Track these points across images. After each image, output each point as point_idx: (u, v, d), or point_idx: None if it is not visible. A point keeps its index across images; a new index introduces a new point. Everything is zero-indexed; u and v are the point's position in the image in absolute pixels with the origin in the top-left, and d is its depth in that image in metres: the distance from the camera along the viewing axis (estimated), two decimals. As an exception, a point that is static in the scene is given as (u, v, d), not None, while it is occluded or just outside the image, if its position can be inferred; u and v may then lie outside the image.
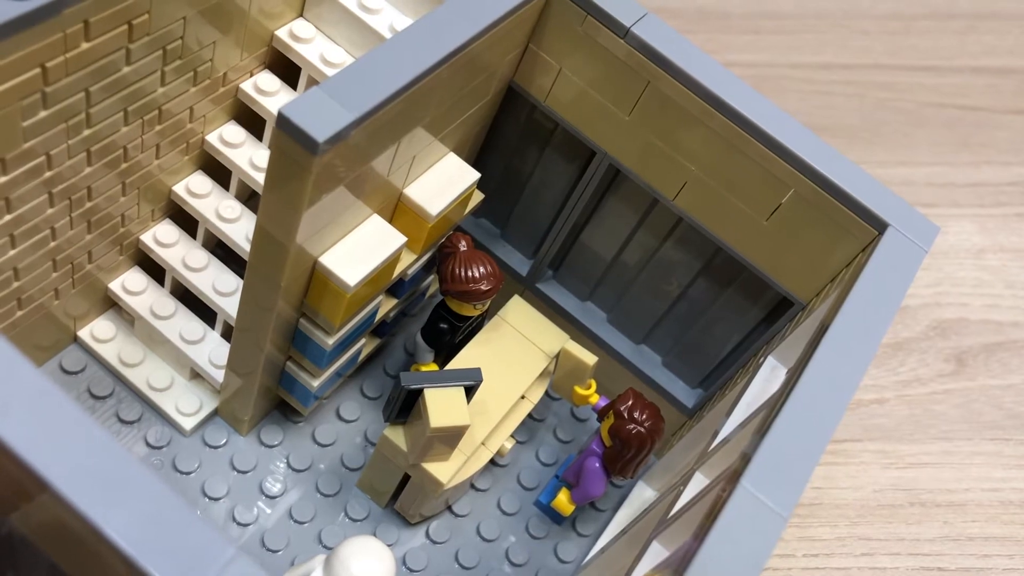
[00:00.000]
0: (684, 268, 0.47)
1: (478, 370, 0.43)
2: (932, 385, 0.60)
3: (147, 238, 0.46)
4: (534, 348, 0.48)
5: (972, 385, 0.60)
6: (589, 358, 0.48)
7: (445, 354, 0.48)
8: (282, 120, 0.32)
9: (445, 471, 0.44)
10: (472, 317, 0.47)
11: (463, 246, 0.46)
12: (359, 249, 0.40)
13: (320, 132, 0.32)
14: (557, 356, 0.48)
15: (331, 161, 0.33)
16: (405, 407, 0.43)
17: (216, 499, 0.46)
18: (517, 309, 0.49)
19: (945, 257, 0.66)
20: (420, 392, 0.42)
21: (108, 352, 0.47)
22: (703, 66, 0.41)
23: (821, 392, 0.33)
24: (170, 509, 0.25)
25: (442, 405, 0.41)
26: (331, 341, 0.42)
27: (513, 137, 0.49)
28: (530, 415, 0.52)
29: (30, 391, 0.25)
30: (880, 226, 0.39)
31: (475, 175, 0.44)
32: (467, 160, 0.47)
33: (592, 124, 0.44)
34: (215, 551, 0.24)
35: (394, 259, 0.42)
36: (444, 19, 0.37)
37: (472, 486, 0.50)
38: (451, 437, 0.42)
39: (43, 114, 0.35)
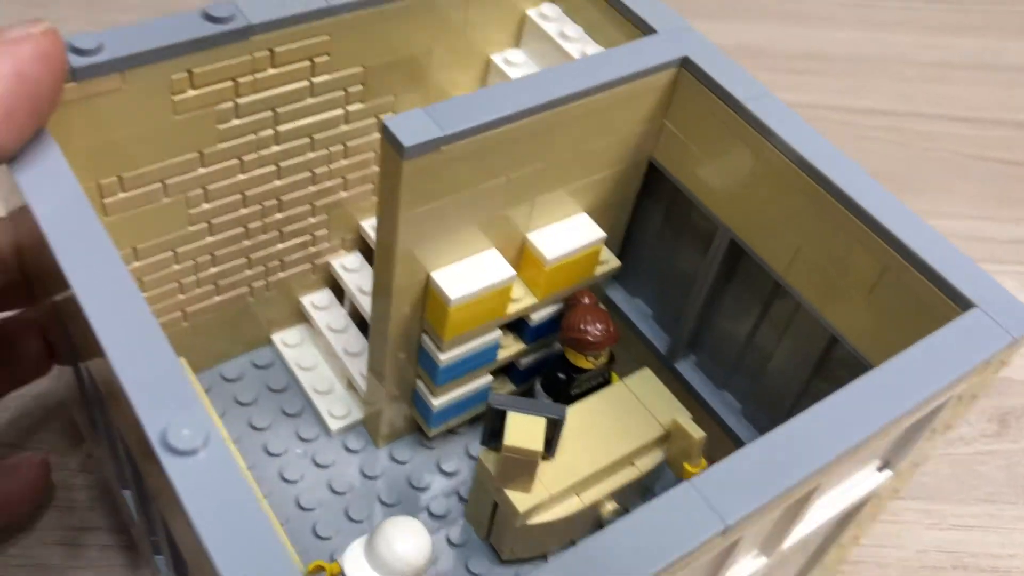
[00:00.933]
0: (803, 360, 0.47)
1: (563, 407, 0.45)
2: (976, 445, 0.58)
3: (336, 263, 0.54)
4: (648, 416, 0.50)
5: (1015, 448, 0.58)
6: (696, 432, 0.48)
7: (564, 402, 0.51)
8: (384, 128, 0.39)
9: (524, 501, 0.46)
10: (589, 371, 0.50)
11: (586, 300, 0.49)
12: (469, 272, 0.45)
13: (408, 139, 0.38)
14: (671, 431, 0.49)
15: (423, 170, 0.39)
16: (496, 431, 0.46)
17: (338, 494, 0.51)
18: (642, 379, 0.51)
19: (987, 316, 0.67)
20: (505, 414, 0.45)
21: (290, 355, 0.55)
22: (811, 144, 0.42)
23: (821, 427, 0.32)
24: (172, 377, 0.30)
25: (520, 428, 0.44)
26: (443, 357, 0.47)
27: (659, 215, 0.52)
28: (650, 491, 0.52)
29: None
30: (966, 305, 0.37)
31: (600, 234, 0.48)
32: (611, 230, 0.51)
33: (715, 198, 0.47)
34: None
35: (503, 291, 0.46)
36: (565, 71, 0.42)
37: (572, 543, 0.51)
38: (527, 464, 0.45)
39: (235, 122, 0.44)
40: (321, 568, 0.44)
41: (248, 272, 0.52)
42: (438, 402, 0.50)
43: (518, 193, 0.44)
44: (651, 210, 0.52)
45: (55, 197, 0.33)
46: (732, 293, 0.50)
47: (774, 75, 0.79)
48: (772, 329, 0.48)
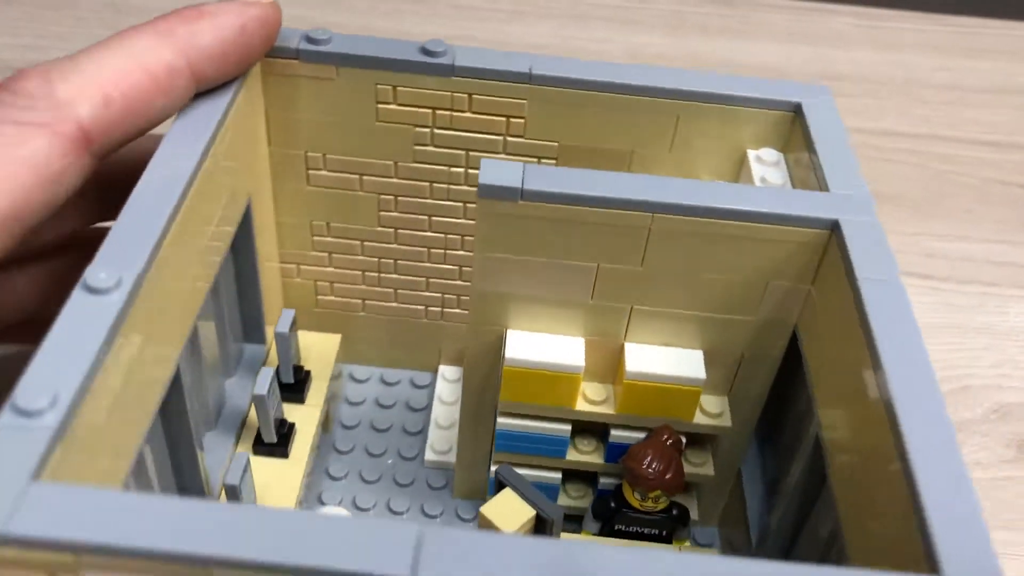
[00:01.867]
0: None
1: (560, 509, 0.43)
2: (993, 471, 0.58)
3: (508, 323, 0.57)
4: (676, 586, 0.44)
5: (1028, 472, 0.57)
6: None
7: (607, 532, 0.48)
8: (481, 167, 0.42)
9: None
10: (639, 513, 0.46)
11: (665, 437, 0.46)
12: (542, 345, 0.45)
13: (488, 179, 0.41)
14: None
15: (499, 215, 0.41)
16: (504, 506, 0.45)
17: (392, 512, 0.53)
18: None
19: (1007, 338, 0.65)
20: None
21: (441, 386, 0.59)
22: (898, 354, 0.35)
23: None
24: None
25: (505, 506, 0.43)
26: (500, 420, 0.47)
27: (803, 396, 0.46)
28: None
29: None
30: (933, 567, 0.29)
31: (700, 375, 0.45)
32: (744, 391, 0.47)
33: (820, 383, 0.41)
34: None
35: (569, 380, 0.45)
36: (684, 185, 0.41)
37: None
38: (500, 544, 0.43)
39: (430, 148, 0.50)
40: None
41: (425, 293, 0.57)
42: (495, 468, 0.50)
43: (612, 290, 0.44)
44: (797, 388, 0.47)
45: (187, 130, 0.41)
46: (820, 504, 0.43)
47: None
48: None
